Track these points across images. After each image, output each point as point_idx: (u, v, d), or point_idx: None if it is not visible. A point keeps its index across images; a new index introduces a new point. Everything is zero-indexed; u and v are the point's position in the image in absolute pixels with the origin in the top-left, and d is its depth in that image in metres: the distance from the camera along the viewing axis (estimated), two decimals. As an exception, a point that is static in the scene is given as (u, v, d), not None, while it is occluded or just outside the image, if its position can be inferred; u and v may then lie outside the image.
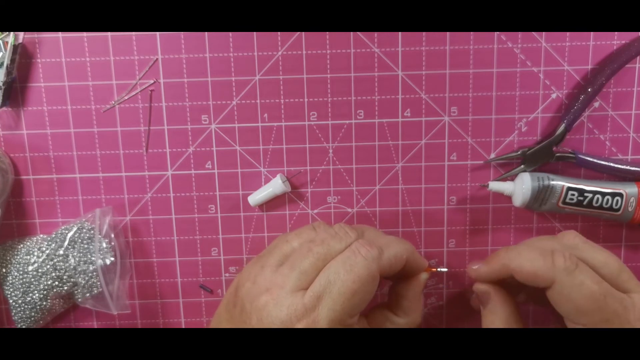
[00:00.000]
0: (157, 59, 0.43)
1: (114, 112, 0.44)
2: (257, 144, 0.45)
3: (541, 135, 0.44)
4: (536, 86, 0.44)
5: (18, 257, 0.43)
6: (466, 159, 0.45)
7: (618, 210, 0.43)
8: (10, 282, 0.43)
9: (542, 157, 0.44)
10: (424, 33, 0.43)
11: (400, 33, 0.43)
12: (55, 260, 0.43)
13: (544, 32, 0.43)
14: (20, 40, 0.42)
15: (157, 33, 0.43)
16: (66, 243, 0.43)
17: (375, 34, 0.43)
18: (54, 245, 0.43)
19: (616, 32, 0.43)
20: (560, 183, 0.42)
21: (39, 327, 0.45)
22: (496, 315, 0.38)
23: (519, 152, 0.44)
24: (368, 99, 0.44)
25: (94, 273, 0.43)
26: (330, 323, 0.33)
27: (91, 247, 0.43)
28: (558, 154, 0.44)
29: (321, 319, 0.33)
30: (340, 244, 0.36)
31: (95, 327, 0.48)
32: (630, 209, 0.43)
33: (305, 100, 0.44)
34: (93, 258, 0.43)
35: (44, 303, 0.43)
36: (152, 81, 0.43)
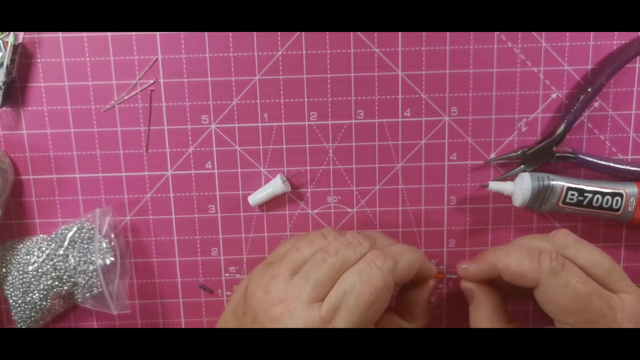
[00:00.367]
0: (157, 59, 0.43)
1: (114, 112, 0.44)
2: (257, 144, 0.45)
3: (541, 135, 0.44)
4: (536, 86, 0.44)
5: (18, 257, 0.43)
6: (466, 159, 0.45)
7: (618, 210, 0.43)
8: (10, 282, 0.43)
9: (542, 157, 0.44)
10: (424, 33, 0.43)
11: (400, 33, 0.43)
12: (55, 260, 0.43)
13: (544, 32, 0.43)
14: (20, 40, 0.42)
15: (157, 33, 0.43)
16: (66, 243, 0.43)
17: (375, 34, 0.43)
18: (54, 245, 0.43)
19: (616, 32, 0.43)
20: (560, 183, 0.42)
21: (39, 327, 0.45)
22: (480, 312, 0.39)
23: (519, 152, 0.44)
24: (368, 99, 0.44)
25: (94, 273, 0.43)
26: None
27: (91, 247, 0.43)
28: (558, 154, 0.44)
29: None
30: (354, 254, 0.36)
31: (95, 327, 0.48)
32: (630, 209, 0.43)
33: (305, 100, 0.44)
34: (93, 258, 0.43)
35: (44, 303, 0.43)
36: (152, 81, 0.43)
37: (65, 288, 0.43)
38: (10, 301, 0.43)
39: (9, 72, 0.42)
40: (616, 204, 0.43)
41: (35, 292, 0.43)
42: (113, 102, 0.44)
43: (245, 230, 0.46)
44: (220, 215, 0.46)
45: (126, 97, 0.44)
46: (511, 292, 0.40)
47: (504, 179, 0.45)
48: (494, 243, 0.46)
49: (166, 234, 0.46)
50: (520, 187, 0.43)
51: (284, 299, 0.35)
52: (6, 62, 0.41)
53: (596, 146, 0.45)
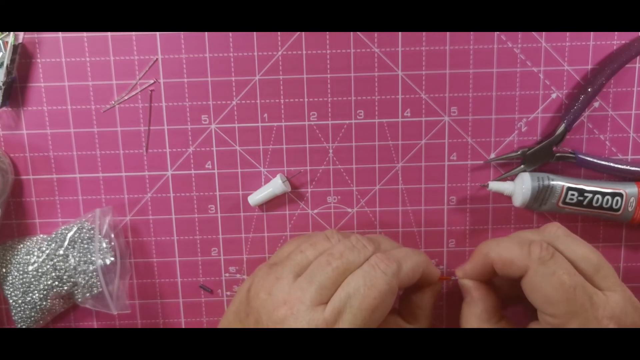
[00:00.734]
0: (157, 59, 0.43)
1: (114, 112, 0.44)
2: (257, 144, 0.45)
3: (541, 135, 0.45)
4: (536, 86, 0.44)
5: (18, 257, 0.43)
6: (466, 159, 0.45)
7: (618, 210, 0.43)
8: (10, 282, 0.43)
9: (542, 157, 0.44)
10: (424, 33, 0.43)
11: (400, 33, 0.43)
12: (55, 260, 0.43)
13: (544, 32, 0.43)
14: (20, 40, 0.42)
15: (157, 33, 0.43)
16: (66, 243, 0.43)
17: (375, 34, 0.43)
18: (54, 245, 0.43)
19: (616, 32, 0.43)
20: (560, 183, 0.42)
21: (39, 327, 0.45)
22: (470, 309, 0.39)
23: (519, 152, 0.44)
24: (368, 99, 0.44)
25: (94, 273, 0.43)
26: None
27: (91, 247, 0.43)
28: (558, 154, 0.44)
29: None
30: (358, 257, 0.36)
31: (95, 327, 0.48)
32: (630, 209, 0.43)
33: (305, 100, 0.44)
34: (93, 258, 0.43)
35: (44, 303, 0.43)
36: (152, 81, 0.43)
37: (65, 288, 0.43)
38: (10, 301, 0.43)
39: (9, 72, 0.42)
40: (616, 204, 0.43)
41: (35, 292, 0.43)
42: (113, 102, 0.44)
43: (245, 230, 0.46)
44: (220, 215, 0.46)
45: (126, 97, 0.44)
46: (508, 294, 0.40)
47: (504, 179, 0.45)
48: (494, 243, 0.46)
49: (166, 234, 0.46)
50: (520, 187, 0.43)
51: (288, 301, 0.35)
52: (6, 62, 0.41)
53: (596, 146, 0.45)
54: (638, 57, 0.43)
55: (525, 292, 0.36)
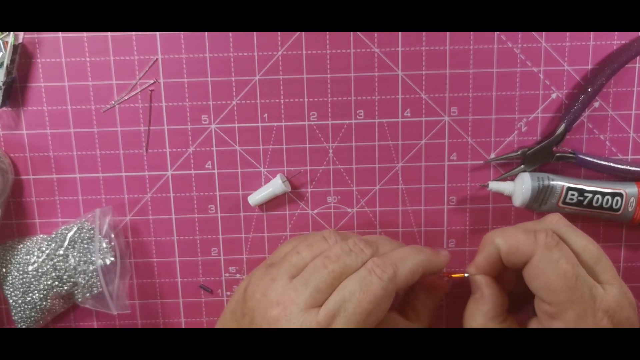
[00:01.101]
0: (157, 59, 0.43)
1: (114, 112, 0.44)
2: (257, 144, 0.45)
3: (541, 135, 0.44)
4: (536, 86, 0.44)
5: (18, 257, 0.43)
6: (466, 159, 0.45)
7: (618, 210, 0.43)
8: (10, 282, 0.43)
9: (542, 157, 0.44)
10: (424, 33, 0.43)
11: (400, 33, 0.43)
12: (55, 260, 0.43)
13: (544, 32, 0.43)
14: (20, 40, 0.42)
15: (157, 33, 0.43)
16: (66, 243, 0.43)
17: (375, 34, 0.43)
18: (54, 245, 0.43)
19: (616, 32, 0.43)
20: (560, 183, 0.42)
21: (39, 327, 0.45)
22: (479, 306, 0.38)
23: (519, 152, 0.44)
24: (368, 99, 0.44)
25: (94, 273, 0.43)
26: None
27: (91, 247, 0.43)
28: (558, 154, 0.44)
29: None
30: (355, 261, 0.36)
31: (95, 327, 0.48)
32: (630, 209, 0.43)
33: (305, 100, 0.44)
34: (93, 258, 0.43)
35: (44, 303, 0.43)
36: (152, 81, 0.43)
37: (65, 288, 0.43)
38: (10, 301, 0.43)
39: (9, 72, 0.42)
40: (616, 204, 0.43)
41: (35, 292, 0.43)
42: (113, 102, 0.44)
43: (245, 230, 0.46)
44: (220, 215, 0.46)
45: (126, 97, 0.44)
46: (517, 298, 0.40)
47: (504, 179, 0.45)
48: (494, 243, 0.46)
49: (166, 234, 0.46)
50: (520, 187, 0.43)
51: (281, 302, 0.35)
52: (6, 62, 0.41)
53: (596, 146, 0.45)
54: (638, 57, 0.43)
55: (528, 278, 0.37)
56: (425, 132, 0.44)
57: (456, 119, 0.44)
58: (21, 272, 0.43)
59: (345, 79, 0.44)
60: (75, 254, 0.43)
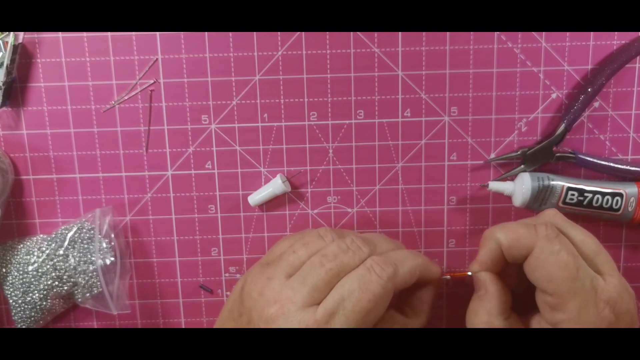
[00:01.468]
0: (157, 59, 0.43)
1: (114, 112, 0.44)
2: (257, 144, 0.45)
3: (541, 135, 0.45)
4: (536, 86, 0.44)
5: (18, 257, 0.43)
6: (466, 159, 0.45)
7: (618, 210, 0.43)
8: (10, 282, 0.43)
9: (542, 157, 0.44)
10: (424, 33, 0.43)
11: (400, 33, 0.43)
12: (55, 260, 0.43)
13: (544, 32, 0.43)
14: (20, 40, 0.42)
15: (157, 33, 0.43)
16: (66, 243, 0.43)
17: (375, 34, 0.43)
18: (54, 245, 0.43)
19: (616, 32, 0.43)
20: (560, 183, 0.42)
21: (39, 327, 0.45)
22: (483, 303, 0.38)
23: (519, 152, 0.44)
24: (368, 99, 0.44)
25: (94, 273, 0.43)
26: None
27: (91, 247, 0.43)
28: (558, 154, 0.44)
29: None
30: (353, 259, 0.36)
31: (95, 327, 0.48)
32: (630, 209, 0.43)
33: (305, 100, 0.44)
34: (93, 258, 0.43)
35: (44, 303, 0.43)
36: (152, 81, 0.43)
37: (65, 288, 0.43)
38: (10, 301, 0.43)
39: (9, 72, 0.42)
40: (616, 204, 0.43)
41: (35, 292, 0.43)
42: (113, 102, 0.44)
43: (245, 230, 0.46)
44: (220, 215, 0.46)
45: (126, 97, 0.44)
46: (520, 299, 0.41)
47: (504, 179, 0.45)
48: (494, 243, 0.46)
49: (166, 234, 0.46)
50: (520, 187, 0.43)
51: (278, 301, 0.35)
52: (6, 62, 0.41)
53: (596, 146, 0.45)
54: (638, 57, 0.43)
55: (529, 270, 0.37)
56: (425, 132, 0.44)
57: (456, 119, 0.44)
58: (21, 272, 0.43)
59: (345, 79, 0.44)
60: (75, 254, 0.43)
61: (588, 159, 0.43)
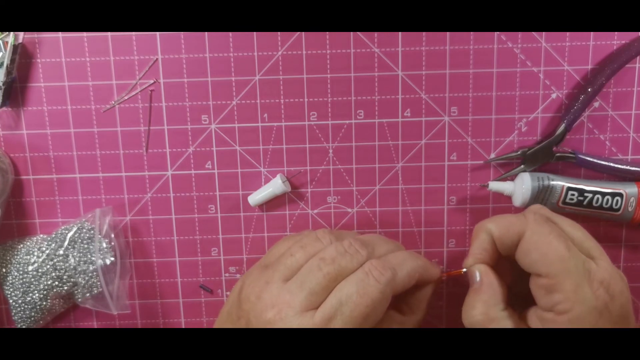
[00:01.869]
0: (157, 59, 0.43)
1: (114, 112, 0.44)
2: (257, 144, 0.45)
3: (541, 135, 0.45)
4: (536, 86, 0.44)
5: (18, 257, 0.43)
6: (466, 159, 0.45)
7: (618, 210, 0.43)
8: (10, 282, 0.43)
9: (542, 157, 0.44)
10: (424, 33, 0.43)
11: (400, 33, 0.43)
12: (55, 260, 0.43)
13: (544, 32, 0.43)
14: (20, 40, 0.42)
15: (157, 33, 0.43)
16: (66, 243, 0.43)
17: (375, 34, 0.43)
18: (54, 245, 0.43)
19: (616, 32, 0.43)
20: (560, 183, 0.42)
21: (39, 327, 0.45)
22: (478, 295, 0.38)
23: (519, 152, 0.44)
24: (368, 99, 0.44)
25: (94, 273, 0.43)
26: None
27: (91, 247, 0.43)
28: (558, 154, 0.44)
29: None
30: (351, 263, 0.36)
31: (95, 327, 0.48)
32: (630, 209, 0.43)
33: (305, 100, 0.44)
34: (93, 258, 0.43)
35: (44, 303, 0.43)
36: (152, 81, 0.43)
37: (65, 288, 0.43)
38: (10, 301, 0.43)
39: (9, 72, 0.42)
40: (616, 204, 0.43)
41: (35, 292, 0.43)
42: (113, 102, 0.44)
43: (245, 230, 0.46)
44: (220, 215, 0.46)
45: (126, 97, 0.44)
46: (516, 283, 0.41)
47: (504, 179, 0.45)
48: (494, 243, 0.46)
49: (166, 234, 0.46)
50: (520, 187, 0.43)
51: (276, 305, 0.35)
52: (6, 62, 0.41)
53: (596, 146, 0.45)
54: (638, 57, 0.43)
55: (522, 257, 0.37)
56: (425, 132, 0.44)
57: (456, 119, 0.44)
58: (21, 272, 0.43)
59: (345, 79, 0.44)
60: (75, 254, 0.43)
61: (588, 159, 0.43)
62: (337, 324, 0.34)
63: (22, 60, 0.43)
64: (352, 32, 0.43)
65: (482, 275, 0.38)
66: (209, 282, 0.47)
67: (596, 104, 0.44)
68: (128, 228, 0.46)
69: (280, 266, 0.37)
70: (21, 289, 0.43)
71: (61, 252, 0.43)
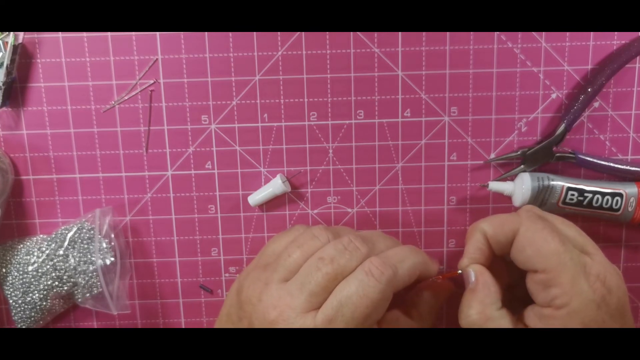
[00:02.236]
0: (157, 59, 0.43)
1: (114, 112, 0.44)
2: (257, 144, 0.45)
3: (541, 135, 0.45)
4: (536, 86, 0.44)
5: (18, 257, 0.43)
6: (466, 159, 0.45)
7: (618, 210, 0.43)
8: (10, 282, 0.43)
9: (542, 157, 0.44)
10: (424, 33, 0.43)
11: (400, 33, 0.43)
12: (55, 260, 0.43)
13: (544, 32, 0.43)
14: (20, 40, 0.42)
15: (157, 33, 0.43)
16: (66, 243, 0.43)
17: (375, 34, 0.43)
18: (54, 245, 0.43)
19: (616, 32, 0.43)
20: (560, 183, 0.42)
21: (39, 327, 0.45)
22: (475, 294, 0.38)
23: (519, 152, 0.44)
24: (368, 99, 0.44)
25: (94, 273, 0.43)
26: None
27: (91, 247, 0.43)
28: (558, 154, 0.44)
29: None
30: (350, 261, 0.35)
31: (95, 327, 0.48)
32: (630, 209, 0.43)
33: (305, 100, 0.44)
34: (93, 258, 0.43)
35: (44, 303, 0.43)
36: (152, 81, 0.43)
37: (65, 288, 0.43)
38: (10, 301, 0.43)
39: (9, 72, 0.42)
40: (616, 204, 0.43)
41: (35, 292, 0.43)
42: (113, 102, 0.44)
43: (245, 230, 0.46)
44: (220, 215, 0.46)
45: (126, 97, 0.44)
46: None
47: (504, 179, 0.45)
48: (494, 243, 0.46)
49: (166, 234, 0.46)
50: (520, 187, 0.43)
51: (277, 307, 0.34)
52: (6, 62, 0.41)
53: (596, 146, 0.45)
54: (638, 57, 0.43)
55: (517, 254, 0.37)
56: (425, 132, 0.44)
57: (456, 119, 0.44)
58: (21, 272, 0.43)
59: (345, 79, 0.44)
60: (75, 254, 0.43)
61: (588, 159, 0.43)
62: (339, 324, 0.34)
63: (22, 60, 0.43)
64: (352, 32, 0.43)
65: (477, 275, 0.38)
66: (209, 282, 0.47)
67: (596, 104, 0.44)
68: (128, 228, 0.46)
69: (279, 267, 0.36)
70: (21, 289, 0.43)
71: (61, 252, 0.43)
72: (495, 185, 0.44)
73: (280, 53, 0.43)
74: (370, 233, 0.40)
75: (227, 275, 0.47)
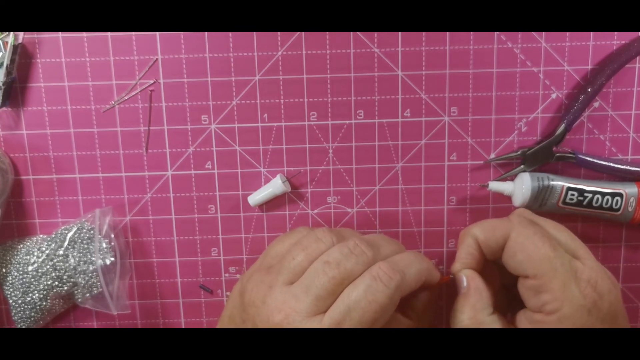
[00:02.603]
0: (157, 59, 0.43)
1: (114, 112, 0.44)
2: (257, 144, 0.45)
3: (541, 135, 0.45)
4: (536, 86, 0.44)
5: (18, 257, 0.43)
6: (466, 159, 0.45)
7: (618, 210, 0.43)
8: (10, 282, 0.43)
9: (542, 157, 0.44)
10: (424, 33, 0.43)
11: (400, 33, 0.43)
12: (55, 260, 0.43)
13: (544, 32, 0.43)
14: (20, 40, 0.42)
15: (157, 33, 0.43)
16: (66, 243, 0.43)
17: (375, 34, 0.43)
18: (54, 245, 0.43)
19: (616, 32, 0.43)
20: (560, 183, 0.42)
21: (39, 327, 0.45)
22: (466, 299, 0.38)
23: (519, 152, 0.44)
24: (368, 99, 0.44)
25: (94, 273, 0.43)
26: None
27: (91, 247, 0.43)
28: (558, 154, 0.44)
29: None
30: (356, 265, 0.35)
31: (95, 327, 0.48)
32: (630, 209, 0.43)
33: (305, 100, 0.44)
34: (93, 258, 0.43)
35: (44, 303, 0.43)
36: (152, 81, 0.43)
37: (65, 288, 0.43)
38: (10, 301, 0.43)
39: (9, 72, 0.42)
40: (616, 204, 0.43)
41: (35, 292, 0.43)
42: (113, 102, 0.44)
43: (245, 231, 0.46)
44: (220, 215, 0.46)
45: (126, 97, 0.44)
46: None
47: (504, 179, 0.45)
48: (494, 243, 0.46)
49: (166, 234, 0.46)
50: (520, 187, 0.43)
51: (282, 310, 0.34)
52: (6, 62, 0.41)
53: (596, 146, 0.45)
54: (638, 57, 0.43)
55: (508, 259, 0.37)
56: (425, 132, 0.44)
57: (456, 119, 0.44)
58: (21, 272, 0.43)
59: (345, 79, 0.44)
60: (75, 254, 0.43)
61: (588, 159, 0.43)
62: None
63: (22, 60, 0.43)
64: (352, 32, 0.43)
65: (468, 280, 0.39)
66: (209, 282, 0.47)
67: (596, 104, 0.44)
68: (128, 228, 0.46)
69: (283, 269, 0.36)
70: (21, 289, 0.43)
71: (61, 252, 0.43)
72: (495, 185, 0.44)
73: (280, 53, 0.43)
74: (374, 237, 0.40)
75: (227, 275, 0.47)
